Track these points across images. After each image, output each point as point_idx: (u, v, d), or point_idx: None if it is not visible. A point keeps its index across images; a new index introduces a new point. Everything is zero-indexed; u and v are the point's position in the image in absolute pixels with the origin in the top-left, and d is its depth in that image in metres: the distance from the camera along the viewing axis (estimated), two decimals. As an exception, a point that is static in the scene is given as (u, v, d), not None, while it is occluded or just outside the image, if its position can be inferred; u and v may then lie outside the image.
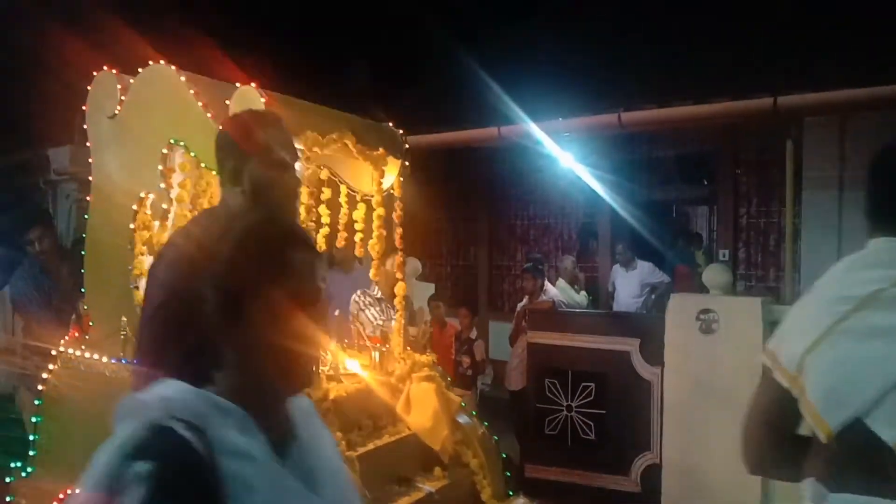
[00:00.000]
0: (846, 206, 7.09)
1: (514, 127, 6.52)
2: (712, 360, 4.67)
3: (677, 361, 4.85)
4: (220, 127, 2.27)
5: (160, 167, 3.39)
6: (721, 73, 6.46)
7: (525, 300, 6.30)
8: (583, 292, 7.28)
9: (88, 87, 3.74)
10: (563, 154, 7.60)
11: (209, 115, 3.20)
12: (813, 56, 6.18)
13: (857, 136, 7.04)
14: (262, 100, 3.03)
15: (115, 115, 3.59)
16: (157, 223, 3.46)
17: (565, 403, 5.18)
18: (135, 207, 3.50)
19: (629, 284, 7.43)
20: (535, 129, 6.75)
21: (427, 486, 3.16)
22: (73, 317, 4.05)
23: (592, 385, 5.06)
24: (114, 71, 3.63)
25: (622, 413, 5.03)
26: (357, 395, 3.27)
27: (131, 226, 3.51)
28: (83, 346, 3.68)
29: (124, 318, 3.46)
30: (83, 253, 3.79)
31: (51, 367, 3.74)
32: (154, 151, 3.40)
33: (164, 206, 3.38)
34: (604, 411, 5.08)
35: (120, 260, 3.55)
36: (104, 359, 3.49)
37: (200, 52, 3.36)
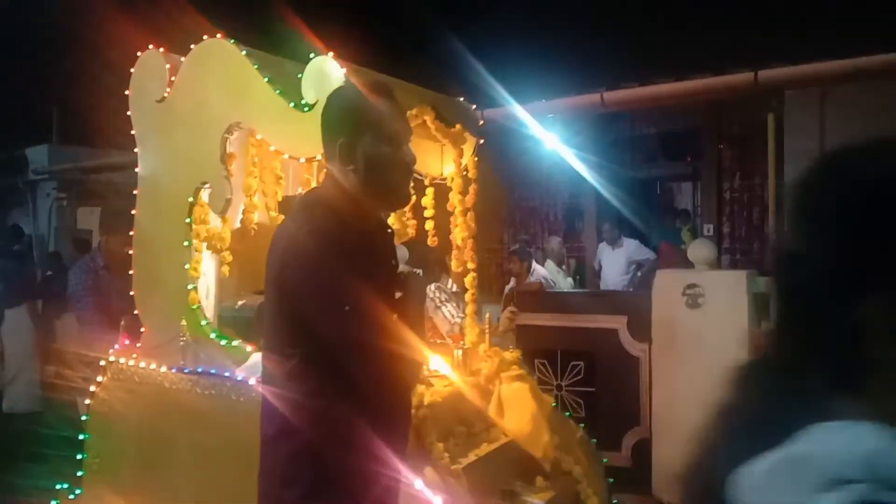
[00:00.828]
0: None
1: (497, 109, 6.29)
2: (699, 335, 4.74)
3: (665, 337, 4.88)
4: (328, 99, 1.91)
5: (220, 153, 3.03)
6: (701, 49, 6.51)
7: (512, 282, 6.11)
8: (569, 278, 7.26)
9: (131, 70, 3.38)
10: (548, 135, 7.40)
11: (277, 91, 2.83)
12: (792, 29, 6.27)
13: (836, 107, 7.07)
14: (342, 70, 2.66)
15: (164, 98, 3.22)
16: (217, 216, 3.09)
17: (555, 383, 5.16)
18: (191, 199, 3.14)
19: (616, 262, 7.45)
20: (518, 111, 6.52)
21: (536, 500, 2.81)
22: (122, 323, 3.68)
23: (581, 364, 5.08)
24: (161, 49, 3.27)
25: (612, 390, 5.06)
26: (449, 400, 2.91)
27: (188, 220, 3.15)
28: (135, 356, 3.32)
29: (183, 322, 3.10)
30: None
31: (99, 378, 3.38)
32: (212, 136, 3.04)
33: (227, 196, 3.02)
34: (593, 389, 5.09)
35: (174, 258, 3.19)
36: (162, 368, 3.13)
37: (253, 26, 2.99)
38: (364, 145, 1.79)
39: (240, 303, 3.21)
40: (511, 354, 3.32)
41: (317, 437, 1.70)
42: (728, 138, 8.87)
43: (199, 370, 2.99)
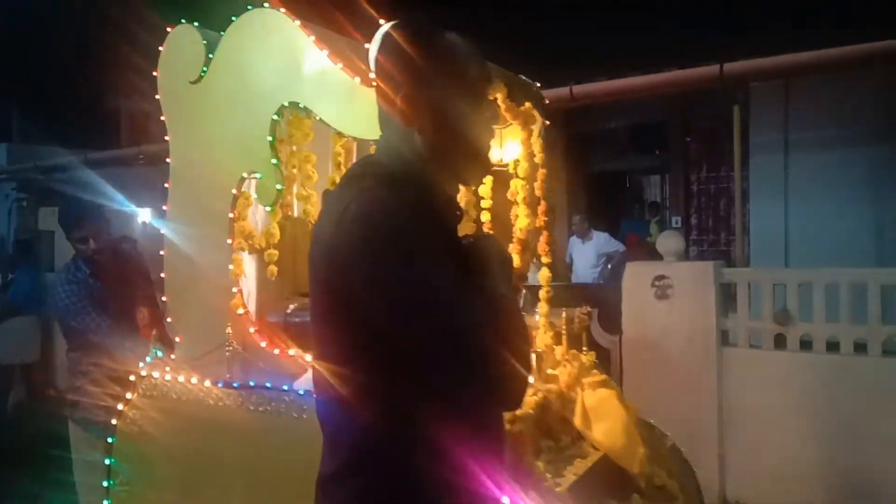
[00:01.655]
0: (792, 168, 7.47)
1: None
2: (668, 325, 4.87)
3: (635, 328, 4.99)
4: (382, 40, 1.51)
5: (269, 138, 2.67)
6: (668, 43, 6.63)
7: None
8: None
9: (160, 48, 3.01)
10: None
11: (339, 66, 2.48)
12: (756, 22, 6.50)
13: (800, 99, 7.43)
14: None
15: (201, 78, 2.85)
16: (267, 209, 2.73)
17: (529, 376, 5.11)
18: (234, 192, 2.77)
19: (586, 255, 7.45)
20: (487, 102, 6.65)
21: (641, 522, 2.48)
22: (154, 333, 3.30)
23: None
24: (195, 24, 2.90)
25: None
26: (535, 411, 2.57)
27: (230, 215, 2.79)
28: (167, 368, 2.94)
29: (229, 330, 2.73)
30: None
31: (128, 395, 2.99)
32: (259, 119, 2.68)
33: (278, 186, 2.66)
34: (564, 381, 5.05)
35: (215, 258, 2.82)
36: (206, 383, 2.75)
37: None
38: (434, 97, 1.40)
39: (291, 307, 2.84)
40: (587, 357, 2.98)
41: (393, 473, 1.33)
42: (695, 131, 9.00)
43: (252, 384, 2.62)
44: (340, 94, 2.49)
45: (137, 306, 3.43)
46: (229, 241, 2.79)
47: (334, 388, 1.38)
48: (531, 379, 1.91)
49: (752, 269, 5.83)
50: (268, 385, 2.58)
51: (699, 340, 4.79)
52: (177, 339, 2.99)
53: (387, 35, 1.49)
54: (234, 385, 2.67)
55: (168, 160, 3.00)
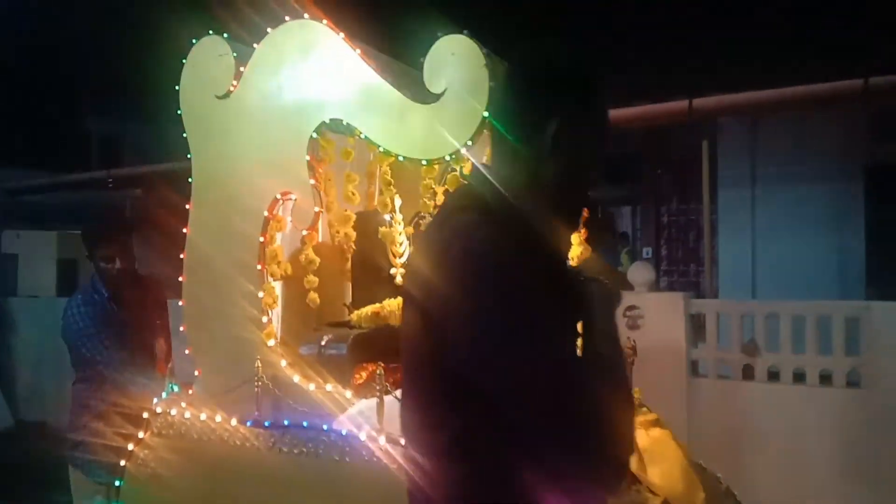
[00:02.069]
0: (759, 202, 7.69)
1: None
2: (639, 355, 4.39)
3: None
4: (526, 59, 1.36)
5: (307, 157, 2.48)
6: (639, 78, 6.75)
7: None
8: None
9: (183, 61, 2.82)
10: None
11: (387, 81, 2.32)
12: (725, 59, 6.69)
13: (768, 135, 7.62)
14: (482, 52, 2.17)
15: (230, 92, 2.67)
16: (303, 233, 2.54)
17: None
18: (266, 214, 2.58)
19: None
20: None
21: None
22: (170, 366, 3.05)
23: None
24: (224, 35, 2.72)
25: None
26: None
27: (260, 238, 2.59)
28: (184, 404, 2.70)
29: (258, 364, 2.51)
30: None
31: (140, 434, 2.74)
32: (295, 137, 2.50)
33: (316, 208, 2.47)
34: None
35: (242, 285, 2.61)
36: (232, 421, 2.52)
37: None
38: (578, 131, 1.25)
39: (325, 338, 2.63)
40: (635, 393, 2.81)
41: None
42: (666, 164, 9.18)
43: (286, 423, 2.40)
44: (390, 112, 2.33)
45: (157, 337, 3.16)
46: (259, 266, 2.58)
47: (423, 437, 1.24)
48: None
49: (721, 301, 5.89)
50: (304, 424, 2.36)
51: (669, 370, 4.81)
52: (196, 373, 2.75)
53: (535, 55, 1.33)
54: (266, 424, 2.44)
55: (190, 180, 2.79)
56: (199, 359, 2.74)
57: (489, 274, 1.13)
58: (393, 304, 2.68)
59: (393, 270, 2.89)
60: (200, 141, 2.77)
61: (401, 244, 2.91)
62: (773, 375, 4.69)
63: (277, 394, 2.48)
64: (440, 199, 2.93)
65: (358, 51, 2.39)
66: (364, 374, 2.58)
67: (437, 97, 2.23)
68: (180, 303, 2.79)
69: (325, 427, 2.32)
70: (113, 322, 3.04)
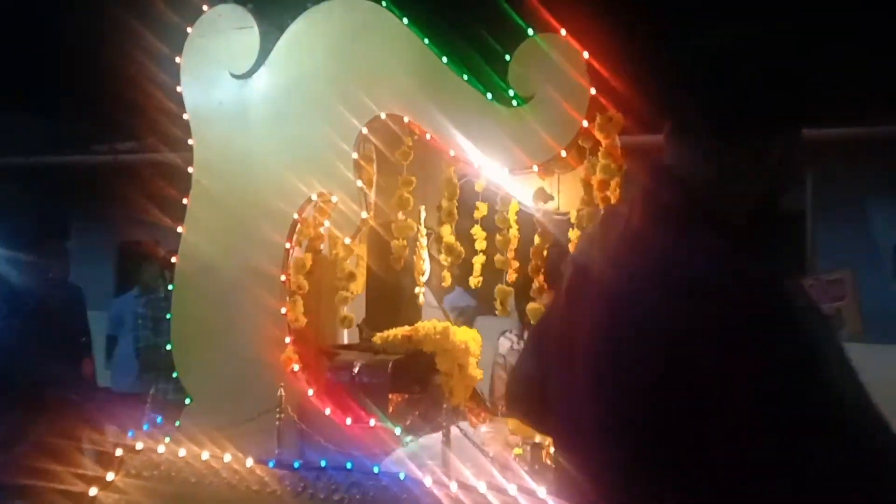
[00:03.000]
0: None
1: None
2: None
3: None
4: (753, 55, 1.15)
5: (354, 155, 2.14)
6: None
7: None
8: None
9: (188, 29, 2.37)
10: None
11: (465, 77, 2.05)
12: None
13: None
14: (584, 54, 1.95)
15: (251, 72, 2.27)
16: (346, 240, 2.18)
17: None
18: (295, 216, 2.20)
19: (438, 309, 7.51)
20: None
21: None
22: (152, 391, 2.51)
23: None
24: (248, 5, 2.32)
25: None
26: None
27: (287, 245, 2.20)
28: (168, 440, 2.23)
29: (281, 392, 2.11)
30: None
31: (109, 476, 2.23)
32: (341, 132, 2.15)
33: (363, 214, 2.13)
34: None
35: (256, 296, 2.21)
36: (248, 461, 2.09)
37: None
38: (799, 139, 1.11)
39: (358, 364, 2.27)
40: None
41: None
42: None
43: (323, 464, 2.02)
44: (466, 112, 2.05)
45: (83, 358, 2.63)
46: (283, 276, 2.19)
47: None
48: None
49: None
50: (349, 466, 2.00)
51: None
52: (186, 402, 2.29)
53: (770, 48, 1.12)
54: (294, 465, 2.04)
55: (190, 170, 2.34)
56: (192, 385, 2.29)
57: (828, 333, 0.91)
58: (427, 328, 2.38)
59: (417, 290, 2.58)
60: (207, 126, 2.34)
61: (423, 260, 2.62)
62: None
63: (305, 429, 2.09)
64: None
65: (426, 39, 2.09)
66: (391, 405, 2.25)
67: (524, 101, 1.98)
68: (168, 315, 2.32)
69: (375, 469, 1.97)
70: (43, 336, 2.48)
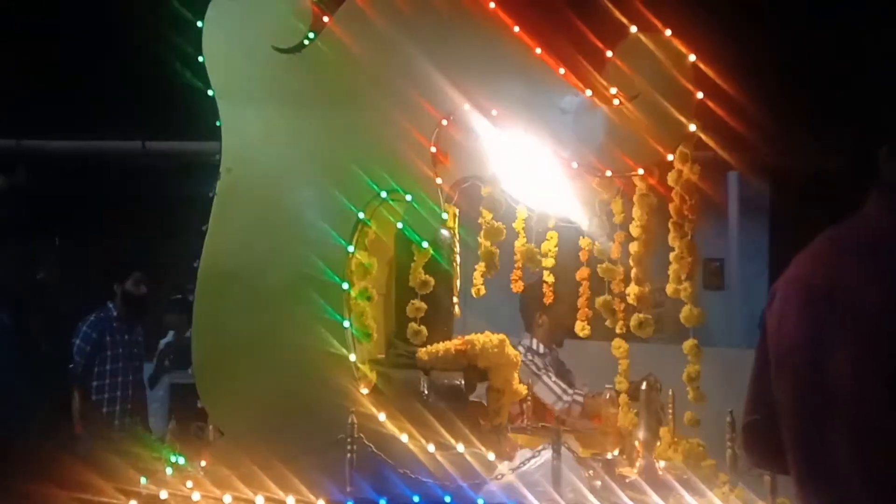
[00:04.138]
0: None
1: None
2: None
3: None
4: None
5: (433, 149, 1.90)
6: None
7: (170, 335, 5.45)
8: None
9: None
10: None
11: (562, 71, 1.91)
12: None
13: None
14: (691, 57, 1.88)
15: (302, 45, 1.94)
16: (423, 244, 1.91)
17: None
18: (361, 215, 1.89)
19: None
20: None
21: None
22: (170, 424, 2.00)
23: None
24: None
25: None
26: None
27: (350, 248, 1.89)
28: (203, 467, 1.81)
29: (353, 418, 1.79)
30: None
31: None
32: (416, 122, 1.90)
33: (444, 215, 1.89)
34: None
35: (311, 306, 1.87)
36: (320, 502, 1.74)
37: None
38: None
39: (423, 383, 1.98)
40: (695, 443, 2.50)
41: None
42: None
43: (416, 499, 1.74)
44: (560, 109, 1.90)
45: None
46: (346, 285, 1.87)
47: None
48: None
49: None
50: (447, 500, 1.73)
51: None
52: (209, 434, 1.88)
53: None
54: (381, 503, 1.73)
55: (218, 156, 1.93)
56: (222, 416, 1.88)
57: None
58: (483, 341, 2.16)
59: (455, 300, 2.36)
60: (239, 105, 1.96)
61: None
62: None
63: (384, 459, 1.79)
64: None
65: (517, 27, 1.92)
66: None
67: (626, 100, 1.88)
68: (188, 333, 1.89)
69: (480, 502, 1.73)
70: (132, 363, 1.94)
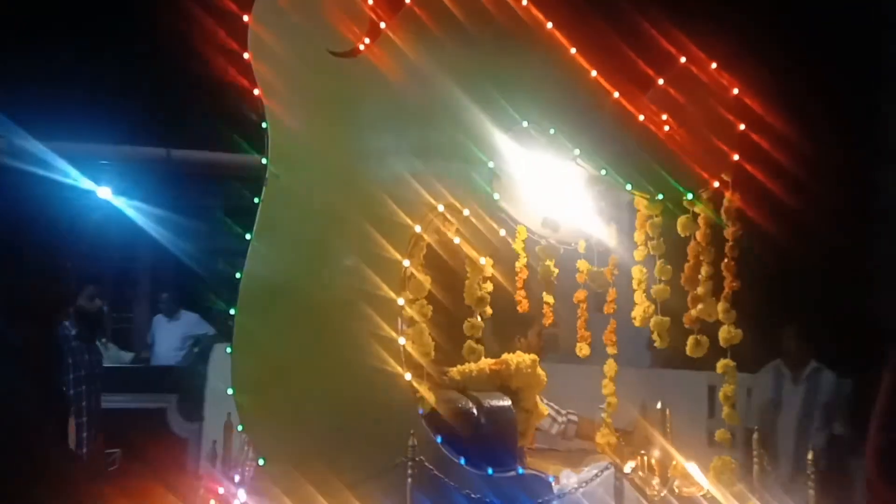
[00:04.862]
0: None
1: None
2: None
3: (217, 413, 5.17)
4: None
5: (491, 164, 1.86)
6: None
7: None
8: (124, 352, 6.51)
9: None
10: (99, 186, 5.79)
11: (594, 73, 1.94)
12: None
13: None
14: (734, 90, 1.95)
15: (356, 52, 1.85)
16: (482, 260, 1.85)
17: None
18: (418, 229, 1.82)
19: (171, 336, 6.66)
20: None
21: None
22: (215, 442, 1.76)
23: (118, 451, 3.89)
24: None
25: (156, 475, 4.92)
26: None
27: (406, 263, 1.80)
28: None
29: (414, 441, 1.69)
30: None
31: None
32: (474, 137, 1.85)
33: (502, 232, 1.85)
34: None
35: (361, 327, 1.77)
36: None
37: None
38: None
39: (473, 407, 1.89)
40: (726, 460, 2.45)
41: None
42: None
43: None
44: (618, 130, 1.92)
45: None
46: (401, 301, 1.78)
47: None
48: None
49: None
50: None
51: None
52: (248, 460, 1.72)
53: None
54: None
55: (264, 161, 1.79)
56: (265, 440, 1.72)
57: None
58: (517, 361, 2.13)
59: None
60: (289, 107, 1.82)
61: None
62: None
63: (448, 482, 1.71)
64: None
65: (574, 49, 1.93)
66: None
67: (674, 126, 1.94)
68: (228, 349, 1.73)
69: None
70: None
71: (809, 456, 1.89)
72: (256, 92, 1.82)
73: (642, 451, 2.42)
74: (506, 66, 1.90)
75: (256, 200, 1.79)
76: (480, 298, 1.89)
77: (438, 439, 1.77)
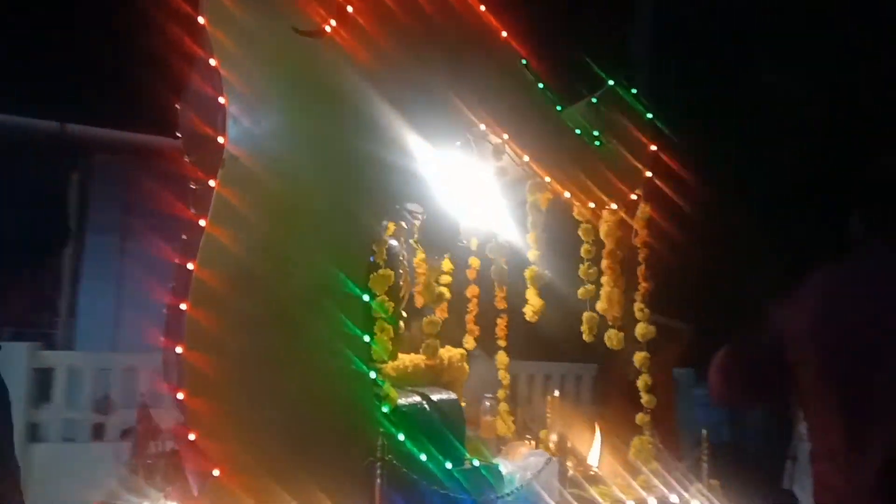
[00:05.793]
0: (127, 254, 6.56)
1: None
2: None
3: None
4: None
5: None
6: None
7: None
8: None
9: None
10: None
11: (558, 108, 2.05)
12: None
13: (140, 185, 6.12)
14: (648, 115, 2.14)
15: (322, 32, 1.74)
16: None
17: None
18: (385, 223, 1.75)
19: None
20: None
21: None
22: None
23: None
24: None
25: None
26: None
27: (371, 258, 1.73)
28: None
29: (383, 440, 1.62)
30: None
31: None
32: (450, 130, 1.84)
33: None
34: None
35: (327, 324, 1.67)
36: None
37: None
38: None
39: (424, 402, 1.83)
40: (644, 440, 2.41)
41: None
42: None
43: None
44: (561, 142, 2.03)
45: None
46: (366, 297, 1.71)
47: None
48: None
49: (74, 353, 4.68)
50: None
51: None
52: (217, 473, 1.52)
53: None
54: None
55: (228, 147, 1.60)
56: (219, 447, 1.54)
57: None
58: (447, 356, 2.14)
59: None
60: (250, 82, 1.65)
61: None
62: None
63: (414, 478, 1.67)
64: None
65: (524, 60, 2.00)
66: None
67: (602, 143, 2.10)
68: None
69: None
70: None
71: (704, 432, 2.14)
72: (213, 62, 1.62)
73: (528, 437, 2.60)
74: (470, 71, 1.90)
75: (211, 184, 1.59)
76: (440, 294, 1.87)
77: (400, 436, 1.72)
